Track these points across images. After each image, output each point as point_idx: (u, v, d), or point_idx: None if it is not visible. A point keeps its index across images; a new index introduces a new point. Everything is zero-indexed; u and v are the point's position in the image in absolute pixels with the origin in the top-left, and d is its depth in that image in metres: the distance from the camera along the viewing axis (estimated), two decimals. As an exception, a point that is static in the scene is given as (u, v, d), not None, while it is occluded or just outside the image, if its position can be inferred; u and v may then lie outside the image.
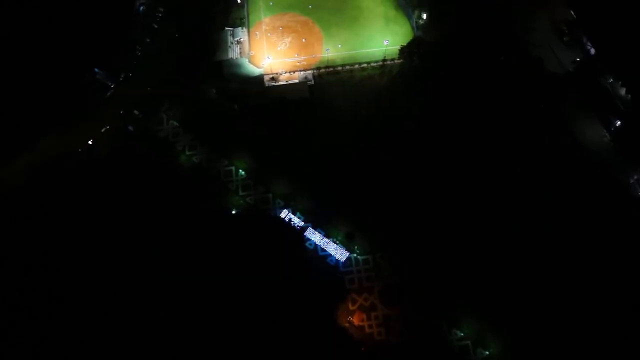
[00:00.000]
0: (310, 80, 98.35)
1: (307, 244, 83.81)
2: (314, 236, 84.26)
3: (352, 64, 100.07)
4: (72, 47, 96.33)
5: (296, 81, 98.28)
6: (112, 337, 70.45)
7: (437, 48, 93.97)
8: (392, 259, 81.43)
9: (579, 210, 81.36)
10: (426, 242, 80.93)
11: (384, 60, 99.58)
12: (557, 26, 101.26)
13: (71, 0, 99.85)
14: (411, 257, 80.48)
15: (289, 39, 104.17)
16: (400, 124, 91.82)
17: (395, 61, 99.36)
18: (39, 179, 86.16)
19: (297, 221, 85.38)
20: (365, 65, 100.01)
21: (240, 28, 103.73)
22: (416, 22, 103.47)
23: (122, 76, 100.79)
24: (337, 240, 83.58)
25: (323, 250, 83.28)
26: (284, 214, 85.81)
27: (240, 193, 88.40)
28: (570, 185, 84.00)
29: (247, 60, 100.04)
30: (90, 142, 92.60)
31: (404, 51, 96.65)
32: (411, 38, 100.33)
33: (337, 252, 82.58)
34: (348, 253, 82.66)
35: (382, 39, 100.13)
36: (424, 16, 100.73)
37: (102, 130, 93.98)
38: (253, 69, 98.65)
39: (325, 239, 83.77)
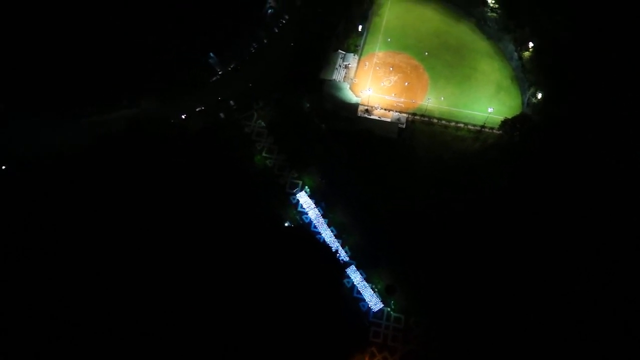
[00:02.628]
0: (402, 124, 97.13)
1: (345, 280, 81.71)
2: (355, 276, 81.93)
3: (449, 121, 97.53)
4: (199, 29, 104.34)
5: (388, 120, 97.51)
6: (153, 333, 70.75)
7: (543, 130, 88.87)
8: (427, 328, 76.70)
9: None
10: (473, 325, 75.17)
11: (483, 126, 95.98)
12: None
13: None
14: (449, 334, 75.19)
15: (395, 78, 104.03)
16: (480, 190, 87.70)
17: (495, 131, 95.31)
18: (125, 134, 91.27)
19: (343, 255, 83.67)
20: (462, 125, 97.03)
21: (352, 54, 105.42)
22: (529, 98, 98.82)
23: (232, 66, 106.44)
24: (376, 288, 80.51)
25: (359, 293, 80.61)
26: (333, 243, 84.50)
27: (299, 209, 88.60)
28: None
29: (348, 86, 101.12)
30: (183, 117, 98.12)
31: (506, 124, 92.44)
32: (518, 113, 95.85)
33: (372, 301, 79.45)
34: (382, 305, 79.24)
35: (487, 105, 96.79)
36: (539, 95, 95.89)
37: (197, 110, 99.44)
38: (351, 96, 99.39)
39: (365, 283, 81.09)
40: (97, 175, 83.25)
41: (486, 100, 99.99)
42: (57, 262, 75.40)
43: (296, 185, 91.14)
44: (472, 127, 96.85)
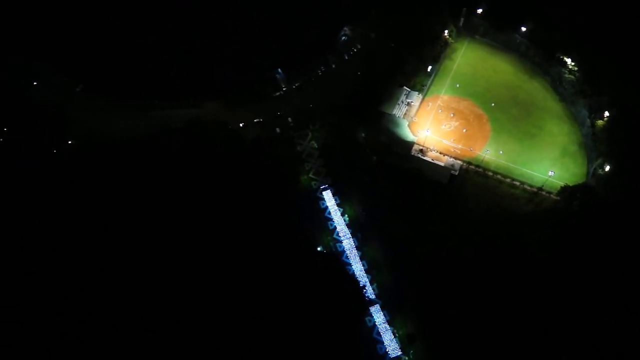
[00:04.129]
0: (455, 170, 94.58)
1: (367, 318, 79.19)
2: (378, 316, 79.20)
3: (505, 176, 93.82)
4: (274, 44, 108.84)
5: (441, 164, 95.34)
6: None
7: (607, 205, 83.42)
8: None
9: None
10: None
11: (540, 188, 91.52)
12: None
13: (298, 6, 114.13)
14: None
15: (456, 123, 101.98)
16: (524, 255, 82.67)
17: (552, 196, 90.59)
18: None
19: (370, 291, 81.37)
20: (517, 183, 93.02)
21: (416, 93, 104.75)
22: (595, 169, 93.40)
23: (296, 84, 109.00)
24: (397, 333, 77.31)
25: (379, 334, 77.67)
26: (362, 278, 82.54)
27: (335, 235, 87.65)
28: None
29: (407, 123, 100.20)
30: (241, 125, 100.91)
31: (566, 190, 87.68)
32: (581, 182, 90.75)
33: (390, 346, 76.25)
34: (400, 352, 75.79)
35: (548, 168, 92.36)
36: (607, 168, 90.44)
37: (255, 120, 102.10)
38: (408, 134, 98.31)
39: (387, 326, 78.11)
40: (147, 163, 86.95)
41: (548, 163, 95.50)
42: (105, 240, 78.86)
43: (335, 212, 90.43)
44: (528, 188, 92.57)
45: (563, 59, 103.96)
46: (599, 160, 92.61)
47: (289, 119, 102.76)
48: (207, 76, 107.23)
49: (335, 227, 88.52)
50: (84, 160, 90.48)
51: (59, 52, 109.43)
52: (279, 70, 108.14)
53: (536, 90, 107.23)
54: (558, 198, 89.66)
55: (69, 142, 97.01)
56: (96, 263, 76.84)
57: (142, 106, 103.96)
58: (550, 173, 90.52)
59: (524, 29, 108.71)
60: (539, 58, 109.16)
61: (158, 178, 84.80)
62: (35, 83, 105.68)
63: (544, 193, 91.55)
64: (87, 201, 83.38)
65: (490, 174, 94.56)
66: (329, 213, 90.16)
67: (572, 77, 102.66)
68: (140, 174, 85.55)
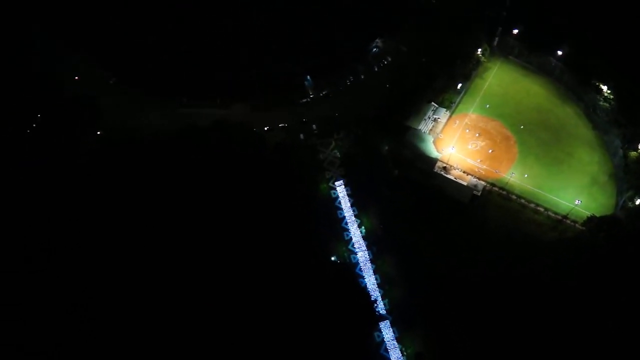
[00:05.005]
0: (478, 191, 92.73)
1: (376, 333, 77.98)
2: (387, 332, 78.02)
3: (529, 201, 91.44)
4: (304, 51, 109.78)
5: (464, 183, 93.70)
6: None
7: (633, 240, 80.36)
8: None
9: None
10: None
11: (565, 217, 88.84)
12: None
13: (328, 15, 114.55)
14: None
15: (483, 143, 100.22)
16: (542, 283, 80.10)
17: (577, 225, 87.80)
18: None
19: (381, 306, 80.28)
20: (541, 209, 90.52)
21: (444, 109, 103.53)
22: (624, 201, 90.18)
23: (324, 92, 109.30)
24: (405, 352, 75.89)
25: (386, 351, 76.45)
26: (374, 292, 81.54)
27: (349, 246, 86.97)
28: None
29: (432, 139, 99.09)
30: (266, 129, 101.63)
31: (593, 221, 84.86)
32: (609, 214, 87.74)
33: (397, 363, 75.02)
34: (407, 372, 74.48)
35: (575, 197, 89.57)
36: (637, 201, 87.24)
37: (280, 125, 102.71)
38: (432, 150, 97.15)
39: (395, 343, 76.86)
40: (170, 159, 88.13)
41: (575, 191, 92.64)
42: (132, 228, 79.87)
43: (353, 222, 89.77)
44: (553, 215, 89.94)
45: (599, 85, 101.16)
46: (630, 193, 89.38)
47: (314, 126, 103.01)
48: (236, 78, 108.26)
49: (351, 238, 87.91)
50: (109, 151, 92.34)
51: (96, 45, 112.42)
52: (308, 77, 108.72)
53: (568, 115, 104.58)
54: (583, 228, 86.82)
55: (98, 132, 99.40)
56: (113, 258, 77.35)
57: (172, 103, 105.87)
58: (577, 202, 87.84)
59: (560, 52, 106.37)
60: (573, 83, 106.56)
61: (179, 174, 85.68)
62: (76, 77, 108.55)
63: (568, 222, 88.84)
64: (107, 193, 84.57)
65: (514, 197, 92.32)
66: (346, 223, 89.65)
67: (607, 105, 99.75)
68: (162, 169, 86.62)
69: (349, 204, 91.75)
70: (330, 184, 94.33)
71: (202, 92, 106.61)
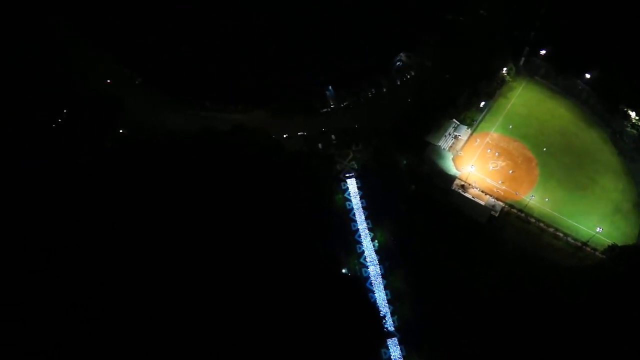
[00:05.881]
0: (496, 212, 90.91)
1: (383, 350, 76.59)
2: (394, 350, 76.84)
3: (548, 226, 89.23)
4: (326, 61, 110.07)
5: (482, 203, 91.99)
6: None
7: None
8: None
9: None
10: None
11: (585, 244, 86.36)
12: None
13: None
14: None
15: (503, 164, 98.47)
16: (558, 310, 77.70)
17: (597, 253, 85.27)
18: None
19: (389, 323, 78.98)
20: (561, 235, 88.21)
21: (465, 127, 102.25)
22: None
23: (345, 103, 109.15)
24: (412, 372, 74.42)
25: (392, 369, 75.11)
26: (384, 307, 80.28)
27: (361, 260, 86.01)
28: None
29: (451, 156, 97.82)
30: (284, 136, 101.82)
31: (614, 250, 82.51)
32: (631, 244, 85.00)
33: (403, 383, 73.45)
34: (412, 392, 72.83)
35: (597, 224, 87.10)
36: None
37: (299, 134, 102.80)
38: (451, 167, 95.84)
39: (401, 361, 75.42)
40: (188, 160, 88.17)
41: (597, 218, 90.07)
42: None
43: (365, 236, 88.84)
44: (572, 241, 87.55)
45: (627, 111, 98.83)
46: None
47: (333, 137, 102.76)
48: (260, 85, 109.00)
49: (363, 251, 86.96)
50: (130, 149, 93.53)
51: (122, 46, 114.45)
52: (330, 87, 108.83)
53: (593, 141, 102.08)
54: (603, 256, 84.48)
55: (120, 130, 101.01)
56: (115, 259, 76.86)
57: (194, 106, 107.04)
58: (598, 229, 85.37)
59: (588, 75, 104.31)
60: (600, 108, 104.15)
61: (193, 176, 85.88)
62: (108, 81, 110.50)
63: (588, 249, 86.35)
64: (116, 192, 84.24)
65: (533, 220, 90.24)
66: (359, 236, 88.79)
67: (635, 131, 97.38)
68: (176, 169, 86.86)
69: (363, 217, 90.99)
70: (347, 204, 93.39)
71: (225, 97, 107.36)
